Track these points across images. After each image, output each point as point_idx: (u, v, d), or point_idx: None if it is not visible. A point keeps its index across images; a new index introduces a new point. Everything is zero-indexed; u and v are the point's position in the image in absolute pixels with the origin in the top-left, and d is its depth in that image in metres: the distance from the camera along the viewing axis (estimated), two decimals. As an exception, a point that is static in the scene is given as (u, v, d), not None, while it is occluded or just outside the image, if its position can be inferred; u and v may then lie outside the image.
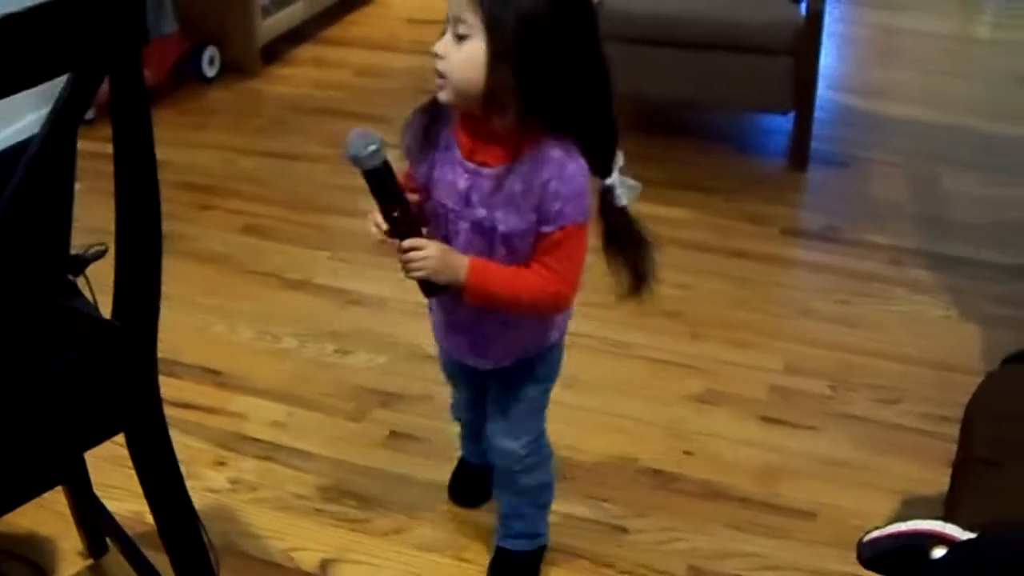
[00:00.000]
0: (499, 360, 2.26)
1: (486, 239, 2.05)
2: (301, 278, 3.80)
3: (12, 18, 1.39)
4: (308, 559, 2.67)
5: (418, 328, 3.49)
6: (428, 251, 1.99)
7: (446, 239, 2.07)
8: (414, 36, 5.97)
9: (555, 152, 1.95)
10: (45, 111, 1.48)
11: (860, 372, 3.38)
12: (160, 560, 2.30)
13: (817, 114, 4.63)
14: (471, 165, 2.00)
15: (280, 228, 4.12)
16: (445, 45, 1.90)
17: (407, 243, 2.00)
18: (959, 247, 4.10)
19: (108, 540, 2.64)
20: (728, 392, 3.26)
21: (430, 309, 2.32)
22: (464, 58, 1.88)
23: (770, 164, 4.78)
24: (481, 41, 1.86)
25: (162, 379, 2.00)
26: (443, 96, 1.95)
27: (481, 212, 2.01)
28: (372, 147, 1.94)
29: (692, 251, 3.99)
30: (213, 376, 3.31)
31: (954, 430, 2.36)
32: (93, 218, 2.08)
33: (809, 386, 3.31)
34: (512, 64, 1.86)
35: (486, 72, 1.87)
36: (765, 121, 5.08)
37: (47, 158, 1.56)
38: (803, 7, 4.68)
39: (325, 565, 2.66)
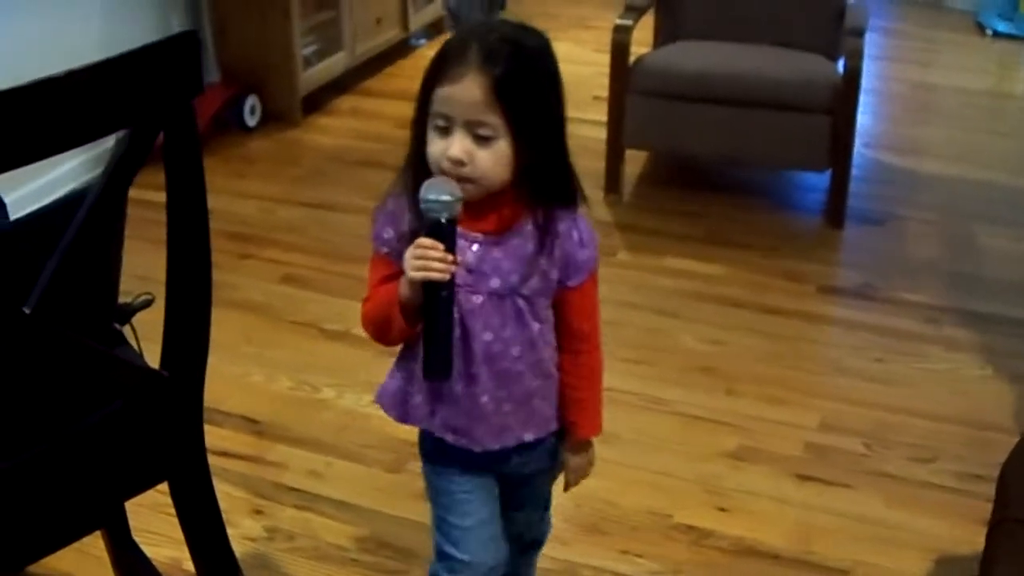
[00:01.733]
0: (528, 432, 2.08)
1: (505, 306, 1.94)
2: (339, 328, 3.83)
3: (73, 75, 1.43)
4: (344, 609, 2.69)
5: (455, 380, 3.52)
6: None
7: (461, 320, 1.92)
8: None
9: (560, 208, 1.94)
10: (85, 157, 1.52)
11: (895, 430, 3.38)
12: (198, 607, 2.33)
13: (853, 171, 4.67)
14: (476, 235, 1.90)
15: (318, 278, 4.16)
16: (465, 150, 1.79)
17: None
18: (994, 305, 4.11)
19: (145, 586, 2.66)
20: (763, 449, 3.27)
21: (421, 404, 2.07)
22: (495, 160, 1.81)
23: (806, 221, 4.80)
24: (506, 139, 1.81)
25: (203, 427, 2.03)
26: (466, 196, 1.83)
27: (496, 281, 1.91)
28: (455, 196, 1.79)
29: (727, 307, 4.01)
30: (252, 425, 3.34)
31: (988, 489, 2.35)
32: (135, 265, 2.11)
33: (844, 443, 3.31)
34: (532, 148, 1.84)
35: (513, 165, 1.84)
36: (801, 178, 5.10)
37: (102, 211, 1.60)
38: (840, 64, 4.72)
39: (361, 615, 2.67)
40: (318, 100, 5.81)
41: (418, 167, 1.88)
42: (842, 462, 3.23)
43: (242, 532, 2.89)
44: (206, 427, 2.11)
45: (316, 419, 3.38)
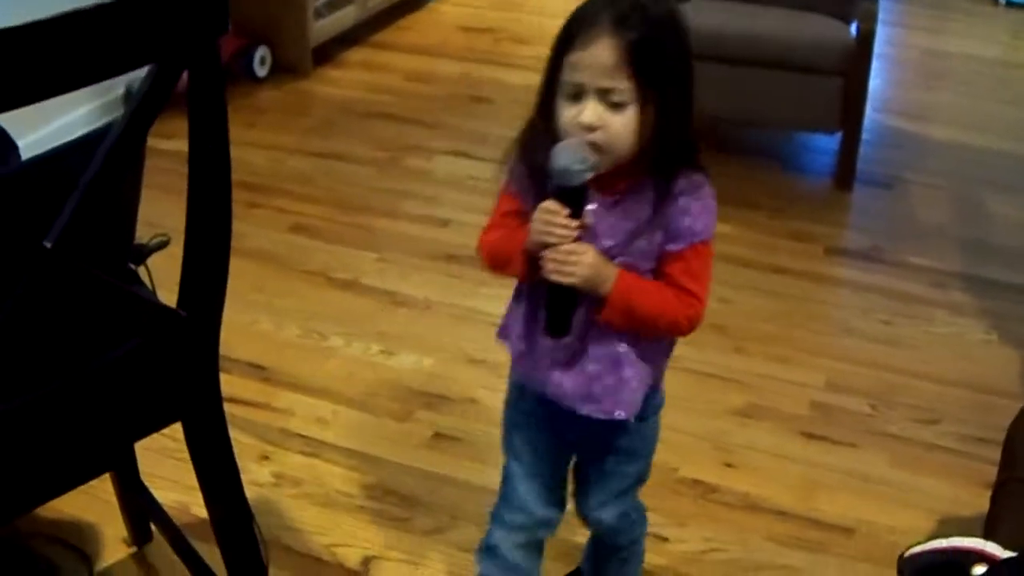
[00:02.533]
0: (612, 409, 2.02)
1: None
2: (348, 278, 3.84)
3: (100, 9, 1.43)
4: (350, 555, 2.70)
5: (464, 332, 3.54)
6: (587, 255, 1.83)
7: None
8: (464, 43, 6.02)
9: (685, 177, 1.89)
10: (99, 102, 1.52)
11: (900, 392, 3.39)
12: (205, 550, 2.34)
13: (863, 135, 4.67)
14: (595, 195, 1.87)
15: (327, 228, 4.16)
16: (598, 115, 1.78)
17: (571, 246, 1.82)
18: (1001, 271, 4.12)
19: (153, 529, 2.67)
20: (770, 407, 3.28)
21: (521, 347, 2.04)
22: (626, 127, 1.79)
23: (815, 183, 4.81)
24: (636, 105, 1.79)
25: (211, 372, 2.03)
26: (599, 165, 1.82)
27: (607, 243, 1.88)
28: (586, 164, 1.78)
29: (736, 266, 4.01)
30: (259, 372, 3.35)
31: (992, 452, 2.38)
32: (147, 212, 2.11)
33: (850, 403, 3.33)
34: (661, 116, 1.82)
35: (641, 133, 1.81)
36: (811, 140, 5.10)
37: (123, 149, 1.60)
38: (853, 28, 4.71)
39: (367, 562, 2.69)
40: (329, 52, 5.80)
41: (536, 135, 1.89)
42: (847, 422, 3.25)
43: (249, 478, 2.88)
44: (217, 368, 2.12)
45: (323, 367, 3.39)
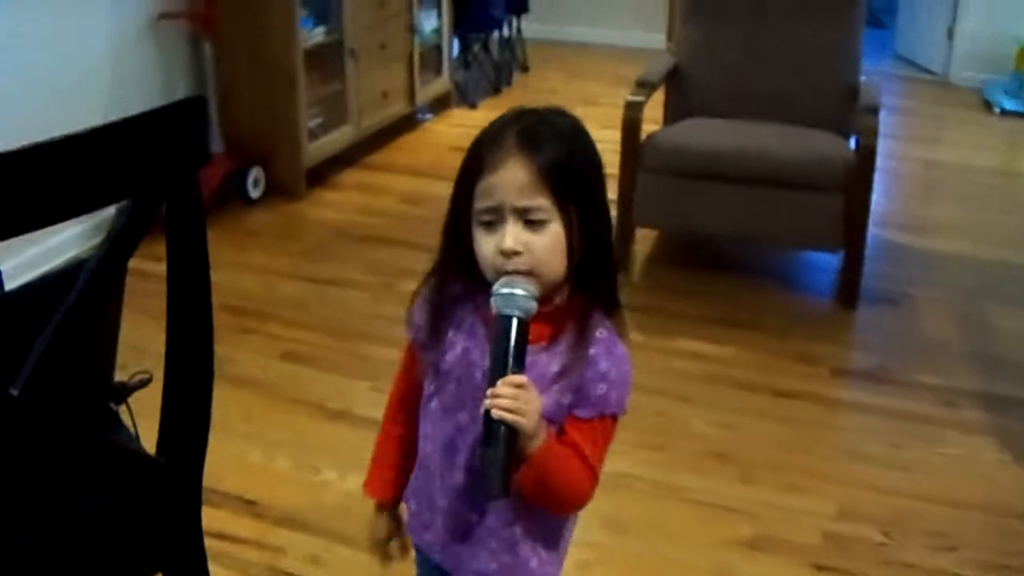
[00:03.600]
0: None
1: None
2: (342, 408, 3.73)
3: (72, 140, 1.35)
4: None
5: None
6: (537, 399, 1.65)
7: (459, 429, 1.77)
8: (456, 164, 5.92)
9: (603, 329, 1.75)
10: (85, 225, 1.42)
11: (915, 518, 3.27)
12: None
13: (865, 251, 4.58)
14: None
15: (320, 356, 4.06)
16: (519, 239, 1.66)
17: (522, 379, 1.63)
18: (1011, 387, 4.01)
19: None
20: (779, 538, 3.15)
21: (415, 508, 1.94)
22: (551, 246, 1.67)
23: (818, 302, 4.72)
24: (558, 222, 1.69)
25: (199, 509, 1.93)
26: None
27: None
28: (529, 291, 1.65)
29: (740, 391, 3.91)
30: (250, 506, 3.23)
31: (1014, 579, 2.25)
32: (132, 338, 2.02)
33: (863, 532, 3.20)
34: (583, 232, 1.72)
35: (568, 253, 1.71)
36: (811, 258, 5.03)
37: (99, 286, 1.51)
38: (852, 143, 4.66)
39: None
40: (323, 173, 5.76)
41: (448, 273, 1.78)
42: (861, 552, 3.12)
43: (239, 620, 2.79)
44: (203, 508, 2.01)
45: (317, 502, 3.27)
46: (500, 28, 8.01)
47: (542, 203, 1.67)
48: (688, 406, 3.77)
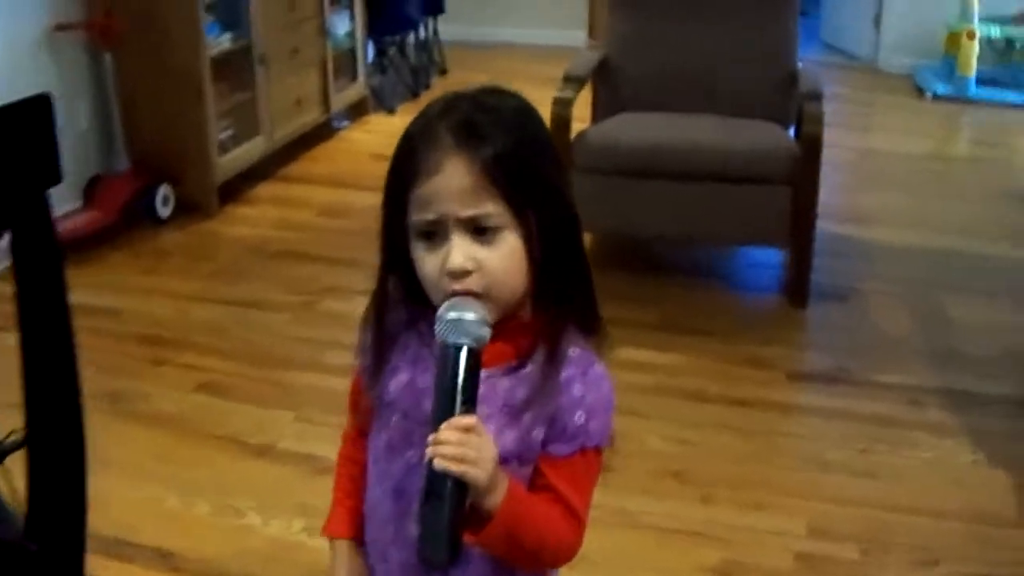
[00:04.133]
0: None
1: None
2: (263, 443, 3.42)
3: None
4: None
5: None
6: (490, 446, 1.36)
7: (409, 470, 1.50)
8: (379, 172, 5.52)
9: (576, 347, 1.50)
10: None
11: (891, 531, 3.03)
12: None
13: (808, 245, 4.36)
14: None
15: (238, 386, 3.75)
16: (468, 255, 1.40)
17: (470, 421, 1.35)
18: (975, 382, 3.82)
19: None
20: (749, 563, 2.89)
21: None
22: (507, 259, 1.42)
23: (765, 301, 4.49)
24: (512, 230, 1.43)
25: (109, 563, 1.63)
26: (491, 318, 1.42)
27: None
28: (479, 316, 1.38)
29: (692, 402, 3.66)
30: (166, 559, 2.90)
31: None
32: (9, 394, 1.71)
33: (837, 551, 2.95)
34: (544, 237, 1.46)
35: (528, 265, 1.45)
36: (753, 254, 4.81)
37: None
38: (791, 132, 4.45)
39: None
40: (236, 188, 5.46)
41: (387, 294, 1.52)
42: (837, 572, 2.88)
43: None
44: (114, 563, 1.72)
45: (241, 549, 2.96)
46: (416, 30, 7.76)
47: (491, 209, 1.40)
48: (639, 421, 3.50)
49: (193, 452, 3.39)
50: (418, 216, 1.41)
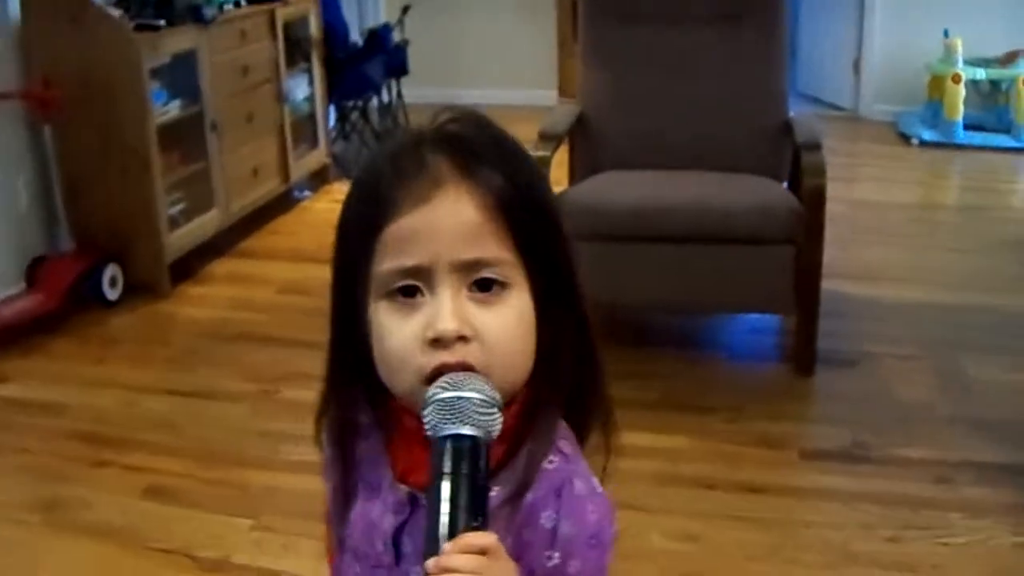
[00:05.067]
0: None
1: None
2: (216, 556, 2.99)
3: None
4: None
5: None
6: (504, 562, 1.02)
7: None
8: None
9: (556, 455, 1.14)
10: None
11: (934, 633, 2.67)
12: None
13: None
14: (408, 490, 1.15)
15: (190, 489, 3.33)
16: (465, 315, 1.06)
17: (487, 541, 1.00)
18: (1008, 452, 3.48)
19: None
20: None
21: None
22: (515, 327, 1.09)
23: (769, 370, 4.13)
24: (525, 289, 1.09)
25: None
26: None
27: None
28: (486, 395, 1.04)
29: (699, 489, 3.28)
30: None
31: None
32: None
33: (878, 661, 2.58)
34: (555, 302, 1.13)
35: (535, 339, 1.11)
36: (750, 321, 4.46)
37: None
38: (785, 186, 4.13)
39: None
40: (189, 266, 5.09)
41: (341, 388, 1.17)
42: None
43: None
44: None
45: None
46: (379, 93, 7.44)
47: (501, 255, 1.06)
48: (640, 515, 3.11)
49: (137, 570, 2.99)
50: (391, 263, 1.06)
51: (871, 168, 6.93)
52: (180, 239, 5.00)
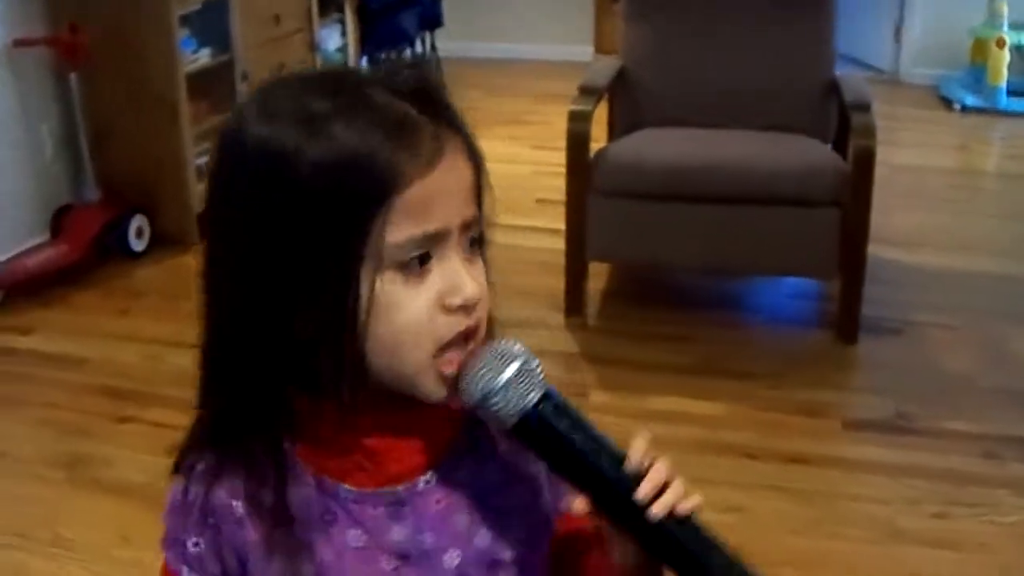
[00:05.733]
0: None
1: None
2: (242, 517, 2.93)
3: None
4: None
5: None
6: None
7: None
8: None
9: None
10: None
11: (983, 617, 2.57)
12: None
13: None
14: (393, 490, 1.06)
15: (214, 447, 3.25)
16: (475, 275, 1.02)
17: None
18: (1055, 428, 3.36)
19: None
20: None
21: None
22: (487, 274, 1.06)
23: (811, 337, 4.00)
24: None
25: None
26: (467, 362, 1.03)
27: (454, 555, 1.06)
28: (529, 364, 1.01)
29: (739, 458, 3.19)
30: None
31: None
32: None
33: (924, 644, 2.48)
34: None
35: None
36: (793, 284, 4.33)
37: None
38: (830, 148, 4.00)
39: None
40: (217, 218, 4.95)
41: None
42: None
43: None
44: None
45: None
46: (412, 45, 7.30)
47: (477, 211, 1.03)
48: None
49: (158, 530, 2.90)
50: (410, 231, 0.97)
51: (912, 133, 6.76)
52: (208, 190, 4.90)
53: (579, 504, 1.01)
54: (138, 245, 4.70)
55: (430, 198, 0.97)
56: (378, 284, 0.98)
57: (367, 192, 0.95)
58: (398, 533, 1.05)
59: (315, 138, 0.96)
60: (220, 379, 1.08)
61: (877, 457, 3.23)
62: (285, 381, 1.03)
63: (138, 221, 4.70)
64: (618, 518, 1.01)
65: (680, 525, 1.00)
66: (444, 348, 1.00)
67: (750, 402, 3.48)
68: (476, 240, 1.02)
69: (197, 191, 4.79)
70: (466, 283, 0.99)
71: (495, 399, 0.98)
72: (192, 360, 3.29)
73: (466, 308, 1.00)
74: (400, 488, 1.05)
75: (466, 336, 1.01)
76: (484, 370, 0.99)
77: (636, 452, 1.00)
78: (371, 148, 0.95)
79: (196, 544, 1.07)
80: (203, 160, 4.90)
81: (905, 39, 7.95)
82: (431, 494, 1.06)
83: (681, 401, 3.43)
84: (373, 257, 0.97)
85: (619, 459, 1.00)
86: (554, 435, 1.00)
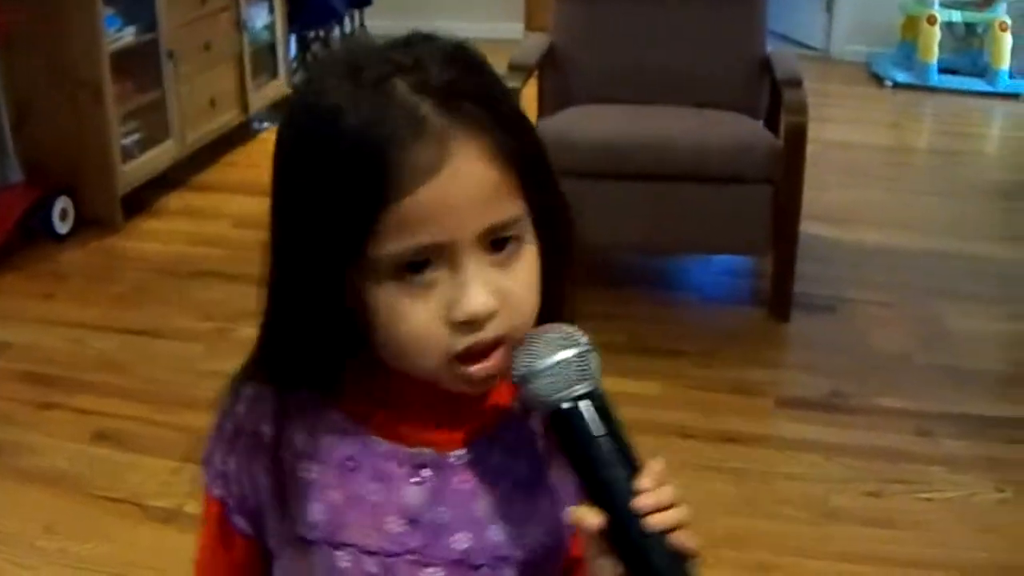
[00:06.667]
0: None
1: None
2: (167, 506, 2.85)
3: None
4: None
5: None
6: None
7: None
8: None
9: None
10: None
11: (917, 595, 2.56)
12: None
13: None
14: (422, 452, 1.04)
15: (140, 434, 3.18)
16: (493, 283, 0.95)
17: (662, 467, 1.01)
18: (988, 404, 3.40)
19: None
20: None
21: None
22: (529, 281, 0.99)
23: (743, 314, 3.99)
24: (531, 239, 0.99)
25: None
26: (503, 368, 0.99)
27: (464, 538, 1.04)
28: (585, 344, 0.99)
29: (671, 438, 3.15)
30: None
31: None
32: None
33: (860, 624, 2.47)
34: (554, 240, 1.03)
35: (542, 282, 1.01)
36: (725, 262, 4.31)
37: None
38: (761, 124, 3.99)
39: None
40: (143, 199, 4.90)
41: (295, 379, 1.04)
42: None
43: None
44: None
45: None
46: (341, 23, 7.23)
47: (515, 212, 0.96)
48: (612, 465, 3.00)
49: (85, 521, 2.84)
50: (402, 243, 0.92)
51: (843, 109, 6.78)
52: (134, 171, 4.81)
53: (576, 514, 0.97)
54: (62, 228, 4.60)
55: (429, 210, 0.91)
56: (376, 292, 0.95)
57: (357, 195, 0.91)
58: (414, 496, 1.03)
59: (327, 125, 0.93)
60: (279, 318, 1.05)
61: (810, 436, 3.22)
62: (338, 333, 0.99)
63: (62, 203, 4.60)
64: (614, 527, 0.96)
65: (673, 560, 0.96)
66: (459, 359, 0.96)
67: (682, 381, 3.46)
68: (505, 244, 0.96)
69: (122, 172, 4.71)
70: (470, 297, 0.93)
71: (541, 379, 0.96)
72: (117, 345, 3.28)
73: (471, 324, 0.95)
74: (428, 451, 1.04)
75: (483, 352, 0.96)
76: (540, 346, 0.96)
77: (651, 471, 0.98)
78: (371, 149, 0.91)
79: (224, 463, 1.09)
80: (128, 141, 4.84)
81: (836, 16, 7.99)
82: (458, 472, 1.05)
83: (612, 380, 3.38)
84: (366, 265, 0.93)
85: (635, 469, 0.97)
86: (586, 434, 0.97)
